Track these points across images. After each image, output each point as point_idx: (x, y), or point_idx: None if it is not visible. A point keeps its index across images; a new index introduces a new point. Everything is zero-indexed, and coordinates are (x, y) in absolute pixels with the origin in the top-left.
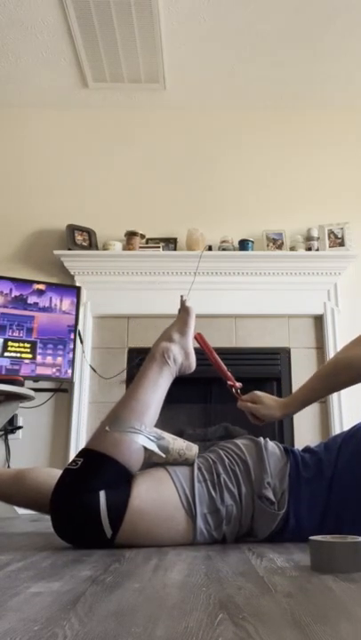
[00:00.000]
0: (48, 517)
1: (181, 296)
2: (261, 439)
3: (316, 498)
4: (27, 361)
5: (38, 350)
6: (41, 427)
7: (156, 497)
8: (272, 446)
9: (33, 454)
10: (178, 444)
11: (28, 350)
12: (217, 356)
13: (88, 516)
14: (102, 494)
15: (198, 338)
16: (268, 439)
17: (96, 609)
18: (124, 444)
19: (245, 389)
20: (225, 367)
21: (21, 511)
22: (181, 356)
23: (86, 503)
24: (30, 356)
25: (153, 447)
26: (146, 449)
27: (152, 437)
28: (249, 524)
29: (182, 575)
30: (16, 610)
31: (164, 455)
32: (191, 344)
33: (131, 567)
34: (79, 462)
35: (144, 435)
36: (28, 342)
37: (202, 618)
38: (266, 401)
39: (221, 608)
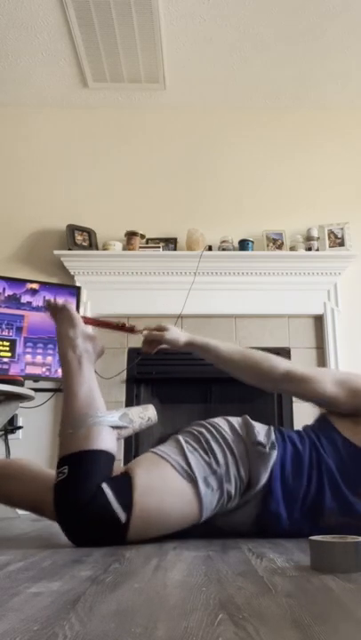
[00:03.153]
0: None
1: (46, 300)
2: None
3: (302, 455)
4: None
5: (27, 349)
6: (41, 427)
7: (157, 475)
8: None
9: (33, 454)
10: (135, 410)
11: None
12: (102, 320)
13: (101, 511)
14: (104, 485)
15: (85, 320)
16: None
17: (96, 609)
18: (95, 433)
19: (246, 390)
20: (115, 322)
21: (22, 512)
22: (88, 342)
23: (95, 502)
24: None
25: (119, 423)
26: (114, 427)
27: (113, 417)
28: (247, 475)
29: (182, 575)
30: (16, 610)
31: (129, 426)
32: (87, 330)
33: (131, 567)
34: (65, 471)
35: (106, 418)
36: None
37: (202, 618)
38: (172, 328)
39: (221, 608)
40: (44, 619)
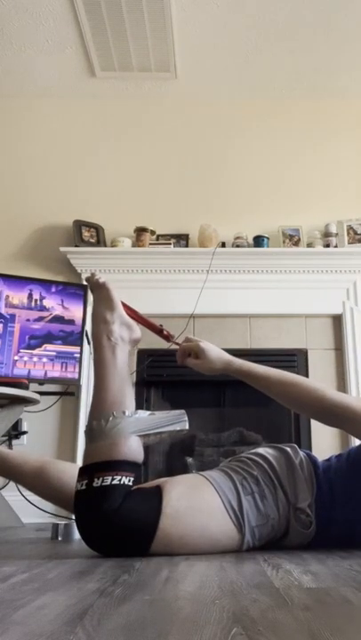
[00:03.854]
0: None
1: (92, 274)
2: (288, 449)
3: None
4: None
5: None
6: (46, 432)
7: (198, 498)
8: (295, 455)
9: None
10: (164, 415)
11: None
12: (143, 315)
13: (123, 525)
14: (130, 498)
15: (125, 307)
16: (295, 447)
17: (104, 623)
18: (120, 442)
19: (261, 393)
20: (155, 322)
21: (26, 520)
22: (125, 330)
23: (118, 514)
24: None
25: (146, 429)
26: (141, 436)
27: (140, 418)
28: (283, 532)
29: (194, 587)
30: (20, 623)
31: (157, 432)
32: (126, 315)
33: (141, 579)
34: (87, 481)
35: (133, 418)
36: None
37: (215, 632)
38: (208, 355)
39: (235, 621)
40: (50, 633)
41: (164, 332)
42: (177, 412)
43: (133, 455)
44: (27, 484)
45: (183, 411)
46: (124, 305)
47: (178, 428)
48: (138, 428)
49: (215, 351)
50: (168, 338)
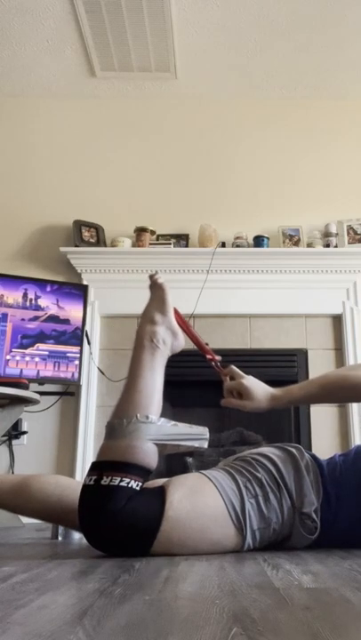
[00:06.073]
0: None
1: (156, 272)
2: (293, 450)
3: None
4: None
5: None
6: (46, 432)
7: (201, 501)
8: (301, 457)
9: (38, 460)
10: (186, 428)
11: None
12: (193, 330)
13: (126, 524)
14: (135, 498)
15: (176, 313)
16: (301, 448)
17: (104, 623)
18: (137, 446)
19: None
20: (202, 340)
21: (26, 520)
22: (169, 336)
23: (122, 514)
24: None
25: (164, 437)
26: (158, 444)
27: (163, 427)
28: (286, 535)
29: (194, 587)
30: (20, 623)
31: (174, 444)
32: (175, 322)
33: (140, 579)
34: (96, 477)
35: (155, 426)
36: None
37: (215, 632)
38: (254, 394)
39: (236, 622)
40: (50, 633)
41: (208, 357)
42: (200, 428)
43: (147, 461)
44: (6, 503)
45: (206, 428)
46: (176, 312)
47: (196, 445)
48: (158, 435)
49: (260, 388)
50: (213, 360)
